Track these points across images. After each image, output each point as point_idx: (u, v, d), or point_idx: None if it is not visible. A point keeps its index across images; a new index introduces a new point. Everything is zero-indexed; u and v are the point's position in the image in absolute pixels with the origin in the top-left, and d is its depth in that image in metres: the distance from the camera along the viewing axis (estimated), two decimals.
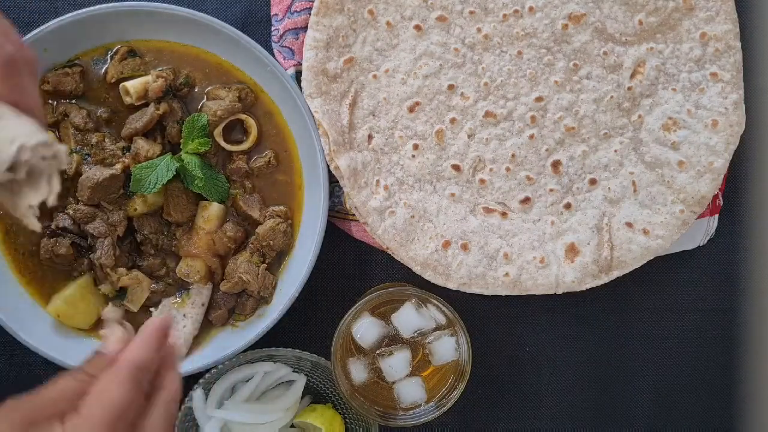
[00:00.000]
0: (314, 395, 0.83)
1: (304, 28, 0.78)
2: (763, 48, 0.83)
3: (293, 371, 0.80)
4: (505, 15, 0.77)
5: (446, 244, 0.77)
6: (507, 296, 0.80)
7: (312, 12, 0.76)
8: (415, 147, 0.77)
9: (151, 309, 0.77)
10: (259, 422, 0.76)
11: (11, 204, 0.51)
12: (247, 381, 0.78)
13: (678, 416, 0.86)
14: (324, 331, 0.81)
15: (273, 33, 0.80)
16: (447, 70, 0.77)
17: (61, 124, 0.78)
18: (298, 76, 0.79)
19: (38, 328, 0.76)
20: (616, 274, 0.78)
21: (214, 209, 0.77)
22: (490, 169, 0.78)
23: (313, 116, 0.76)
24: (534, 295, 0.78)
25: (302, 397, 0.80)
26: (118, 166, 0.76)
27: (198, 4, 0.82)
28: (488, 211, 0.78)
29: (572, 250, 0.77)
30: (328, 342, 0.73)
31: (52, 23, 0.74)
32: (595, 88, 0.78)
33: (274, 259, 0.80)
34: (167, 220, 0.78)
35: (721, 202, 0.83)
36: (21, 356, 0.81)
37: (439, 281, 0.77)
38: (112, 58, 0.78)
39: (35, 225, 0.51)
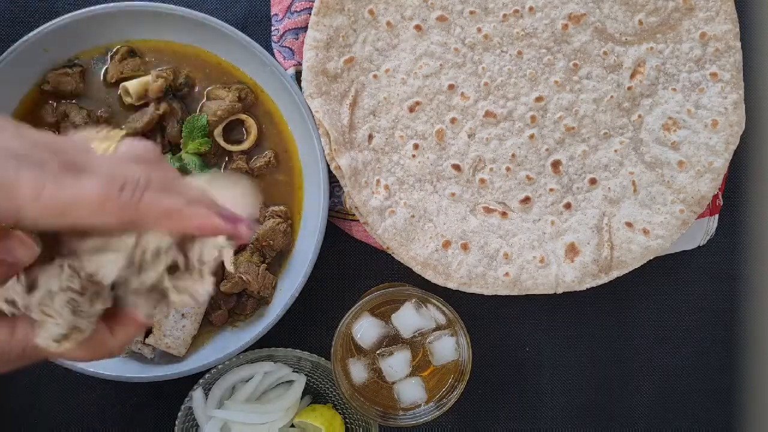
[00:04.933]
0: (314, 395, 0.83)
1: (304, 28, 0.78)
2: (763, 48, 0.83)
3: (293, 371, 0.80)
4: (505, 15, 0.77)
5: (446, 244, 0.77)
6: (507, 296, 0.80)
7: (312, 12, 0.76)
8: (416, 147, 0.77)
9: None
10: (259, 422, 0.76)
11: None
12: (247, 381, 0.78)
13: (678, 416, 0.86)
14: (324, 331, 0.81)
15: (273, 33, 0.80)
16: (447, 70, 0.77)
17: (61, 124, 0.78)
18: (298, 76, 0.79)
19: None
20: (616, 274, 0.78)
21: None
22: (490, 169, 0.78)
23: (313, 116, 0.76)
24: (534, 295, 0.78)
25: (302, 397, 0.80)
26: None
27: (198, 4, 0.82)
28: (488, 210, 0.78)
29: (572, 250, 0.77)
30: (328, 342, 0.73)
31: (52, 23, 0.74)
32: (595, 88, 0.78)
33: (274, 259, 0.79)
34: None
35: (721, 202, 0.83)
36: None
37: (439, 281, 0.77)
38: (112, 58, 0.78)
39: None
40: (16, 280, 0.45)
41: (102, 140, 0.48)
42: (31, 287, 0.46)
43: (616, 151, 0.78)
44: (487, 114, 0.78)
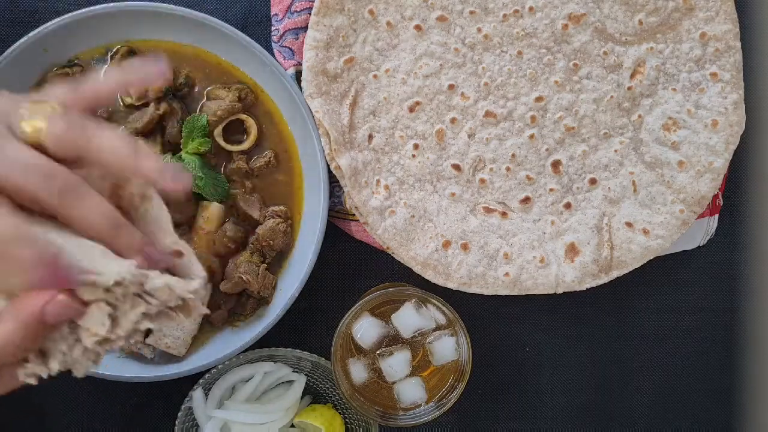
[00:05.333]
0: (314, 395, 0.83)
1: (304, 28, 0.78)
2: (763, 48, 0.83)
3: (293, 371, 0.80)
4: (505, 15, 0.77)
5: (446, 244, 0.77)
6: (507, 296, 0.80)
7: (312, 12, 0.76)
8: (416, 147, 0.77)
9: None
10: (259, 422, 0.76)
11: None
12: (247, 381, 0.78)
13: (678, 416, 0.86)
14: (324, 331, 0.81)
15: (273, 33, 0.80)
16: (447, 70, 0.77)
17: None
18: (298, 76, 0.79)
19: None
20: (616, 274, 0.78)
21: (214, 209, 0.77)
22: (490, 169, 0.78)
23: (313, 116, 0.76)
24: (534, 295, 0.78)
25: (302, 397, 0.80)
26: None
27: (198, 4, 0.82)
28: (488, 210, 0.78)
29: (572, 250, 0.77)
30: (328, 342, 0.73)
31: (52, 23, 0.74)
32: (595, 88, 0.78)
33: (274, 259, 0.79)
34: None
35: (721, 202, 0.83)
36: None
37: (439, 281, 0.77)
38: (112, 58, 0.78)
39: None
40: (34, 359, 0.48)
41: (33, 113, 0.47)
42: (44, 356, 0.48)
43: (616, 151, 0.78)
44: (487, 114, 0.78)
